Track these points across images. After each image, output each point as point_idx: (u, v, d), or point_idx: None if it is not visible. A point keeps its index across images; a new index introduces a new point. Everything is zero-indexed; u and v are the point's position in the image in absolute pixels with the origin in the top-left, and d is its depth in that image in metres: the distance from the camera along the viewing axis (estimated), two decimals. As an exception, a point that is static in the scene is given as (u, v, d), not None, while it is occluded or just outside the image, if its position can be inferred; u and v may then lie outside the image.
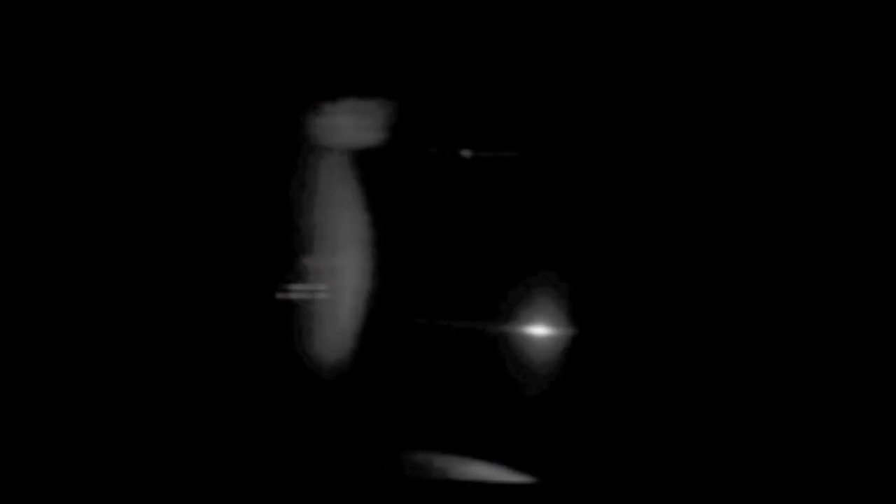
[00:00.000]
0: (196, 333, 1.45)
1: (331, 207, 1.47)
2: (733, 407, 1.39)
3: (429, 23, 1.47)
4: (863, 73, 1.42)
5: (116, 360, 1.44)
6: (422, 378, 1.44)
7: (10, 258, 1.46)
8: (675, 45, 1.45)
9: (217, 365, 1.44)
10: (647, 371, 1.41)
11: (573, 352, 1.42)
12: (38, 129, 1.48)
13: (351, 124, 1.48)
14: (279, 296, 1.46)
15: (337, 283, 1.46)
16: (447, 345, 1.43)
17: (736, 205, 1.43)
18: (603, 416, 1.40)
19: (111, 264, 1.46)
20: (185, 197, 1.48)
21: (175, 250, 1.47)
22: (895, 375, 1.37)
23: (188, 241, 1.47)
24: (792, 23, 1.43)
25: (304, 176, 1.48)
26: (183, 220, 1.48)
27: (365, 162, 1.48)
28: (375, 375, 1.44)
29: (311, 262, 1.47)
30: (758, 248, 1.42)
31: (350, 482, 1.41)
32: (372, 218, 1.47)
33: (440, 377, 1.44)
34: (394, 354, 1.44)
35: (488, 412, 1.42)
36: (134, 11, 1.47)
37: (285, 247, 1.47)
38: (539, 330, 1.43)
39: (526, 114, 1.48)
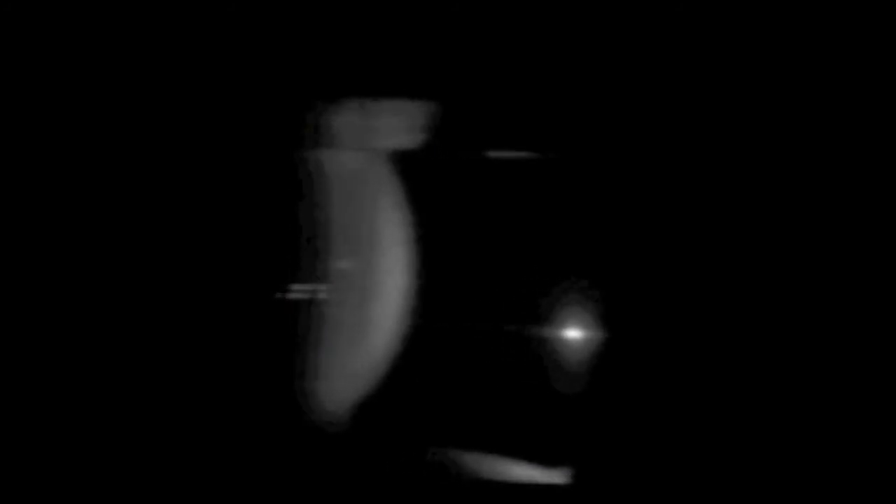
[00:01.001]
0: (217, 333, 1.45)
1: (358, 209, 1.47)
2: (764, 411, 1.38)
3: (455, 22, 1.44)
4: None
5: (134, 363, 1.45)
6: (450, 379, 1.44)
7: (18, 260, 1.46)
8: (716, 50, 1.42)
9: (239, 366, 1.45)
10: (680, 374, 1.40)
11: (605, 355, 1.42)
12: (44, 129, 1.47)
13: (378, 125, 1.47)
14: (304, 297, 1.46)
15: (362, 284, 1.46)
16: (478, 347, 1.43)
17: (772, 210, 1.41)
18: (635, 419, 1.41)
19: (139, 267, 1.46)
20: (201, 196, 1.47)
21: (186, 250, 1.46)
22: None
23: (201, 241, 1.47)
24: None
25: (328, 177, 1.47)
26: (197, 219, 1.47)
27: (393, 163, 1.47)
28: (404, 377, 1.43)
29: (337, 264, 1.46)
30: (793, 253, 1.40)
31: (377, 484, 1.43)
32: (399, 220, 1.46)
33: (470, 379, 1.44)
34: (425, 356, 1.44)
35: (517, 414, 1.43)
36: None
37: (315, 248, 1.46)
38: (572, 333, 1.43)
39: (557, 115, 1.45)
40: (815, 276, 1.39)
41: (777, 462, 1.37)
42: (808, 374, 1.38)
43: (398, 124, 1.46)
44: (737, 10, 1.41)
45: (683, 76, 1.42)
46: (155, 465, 1.42)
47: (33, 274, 1.45)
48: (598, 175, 1.44)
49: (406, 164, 1.47)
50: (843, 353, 1.37)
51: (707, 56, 1.42)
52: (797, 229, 1.40)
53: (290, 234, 1.46)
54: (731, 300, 1.40)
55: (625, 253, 1.43)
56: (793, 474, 1.37)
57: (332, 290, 1.46)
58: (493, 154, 1.46)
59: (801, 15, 1.40)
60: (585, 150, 1.44)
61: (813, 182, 1.40)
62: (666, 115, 1.43)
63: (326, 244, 1.46)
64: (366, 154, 1.47)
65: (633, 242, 1.43)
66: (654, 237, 1.42)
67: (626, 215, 1.43)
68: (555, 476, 1.41)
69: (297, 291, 1.46)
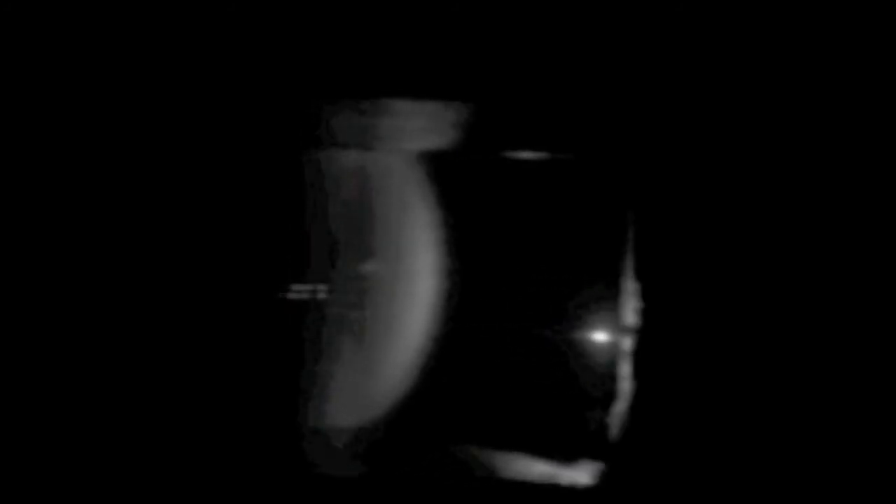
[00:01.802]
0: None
1: (380, 210, 1.46)
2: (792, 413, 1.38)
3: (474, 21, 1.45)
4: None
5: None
6: (481, 379, 1.44)
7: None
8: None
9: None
10: (711, 377, 1.39)
11: (636, 357, 1.41)
12: (49, 128, 1.45)
13: (399, 125, 1.47)
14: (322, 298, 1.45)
15: (384, 285, 1.45)
16: (505, 348, 1.43)
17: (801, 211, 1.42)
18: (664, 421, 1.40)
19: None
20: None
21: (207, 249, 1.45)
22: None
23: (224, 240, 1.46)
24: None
25: (351, 178, 1.47)
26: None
27: (418, 164, 1.47)
28: (430, 378, 1.43)
29: (360, 266, 1.46)
30: (815, 250, 1.40)
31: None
32: (423, 221, 1.46)
33: (499, 379, 1.44)
34: (451, 357, 1.43)
35: (543, 415, 1.43)
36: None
37: (334, 250, 1.46)
38: (600, 336, 1.43)
39: (585, 116, 1.46)
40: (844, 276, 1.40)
41: (803, 464, 1.37)
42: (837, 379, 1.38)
43: (422, 125, 1.46)
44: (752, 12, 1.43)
45: (712, 76, 1.43)
46: (163, 466, 1.40)
47: (35, 271, 1.43)
48: (631, 175, 1.44)
49: (431, 165, 1.47)
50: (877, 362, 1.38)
51: (734, 59, 1.43)
52: (817, 229, 1.41)
53: (303, 235, 1.46)
54: (766, 303, 1.40)
55: (658, 255, 1.43)
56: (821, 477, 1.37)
57: (354, 291, 1.45)
58: (519, 155, 1.46)
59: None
60: (614, 150, 1.45)
61: (830, 182, 1.42)
62: (700, 113, 1.43)
63: (346, 245, 1.46)
64: (390, 154, 1.47)
65: (665, 244, 1.43)
66: (688, 239, 1.42)
67: (660, 217, 1.43)
68: (582, 477, 1.40)
69: (316, 292, 1.45)
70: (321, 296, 1.45)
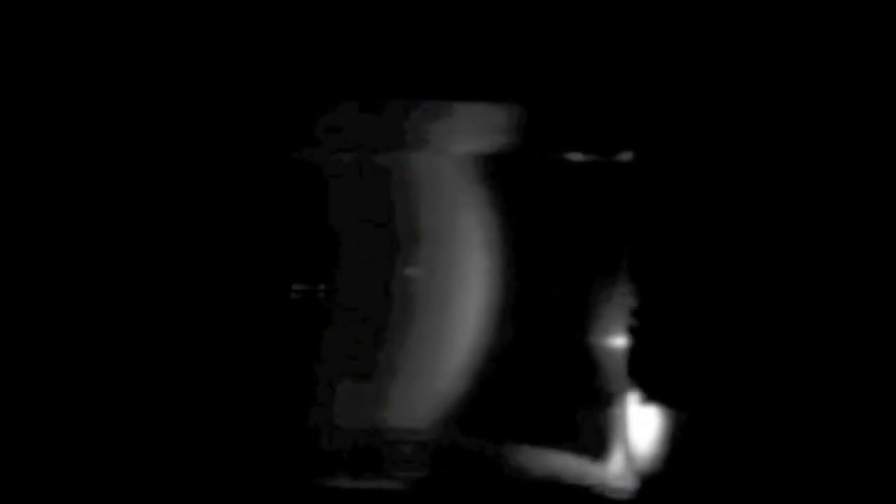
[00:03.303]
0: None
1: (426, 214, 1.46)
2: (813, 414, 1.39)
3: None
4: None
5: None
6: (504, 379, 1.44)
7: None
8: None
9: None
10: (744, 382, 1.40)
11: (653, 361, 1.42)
12: (53, 131, 1.43)
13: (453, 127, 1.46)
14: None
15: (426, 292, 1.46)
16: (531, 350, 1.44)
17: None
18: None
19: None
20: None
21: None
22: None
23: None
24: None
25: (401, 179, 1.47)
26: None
27: (463, 166, 1.47)
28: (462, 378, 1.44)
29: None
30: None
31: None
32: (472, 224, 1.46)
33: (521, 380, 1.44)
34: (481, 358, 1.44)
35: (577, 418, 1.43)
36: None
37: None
38: (610, 336, 1.44)
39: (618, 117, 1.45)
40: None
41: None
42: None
43: (459, 127, 1.47)
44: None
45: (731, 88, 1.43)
46: (169, 465, 1.39)
47: (36, 272, 1.42)
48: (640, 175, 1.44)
49: (451, 167, 1.47)
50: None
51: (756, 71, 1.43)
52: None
53: (329, 237, 1.46)
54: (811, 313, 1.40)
55: (664, 256, 1.43)
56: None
57: (378, 292, 1.45)
58: (532, 156, 1.47)
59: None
60: (618, 149, 1.45)
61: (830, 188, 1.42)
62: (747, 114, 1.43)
63: (374, 247, 1.46)
64: (409, 156, 1.47)
65: (671, 246, 1.43)
66: (739, 244, 1.42)
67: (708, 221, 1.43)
68: (619, 479, 1.41)
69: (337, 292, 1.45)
70: (345, 296, 1.45)
